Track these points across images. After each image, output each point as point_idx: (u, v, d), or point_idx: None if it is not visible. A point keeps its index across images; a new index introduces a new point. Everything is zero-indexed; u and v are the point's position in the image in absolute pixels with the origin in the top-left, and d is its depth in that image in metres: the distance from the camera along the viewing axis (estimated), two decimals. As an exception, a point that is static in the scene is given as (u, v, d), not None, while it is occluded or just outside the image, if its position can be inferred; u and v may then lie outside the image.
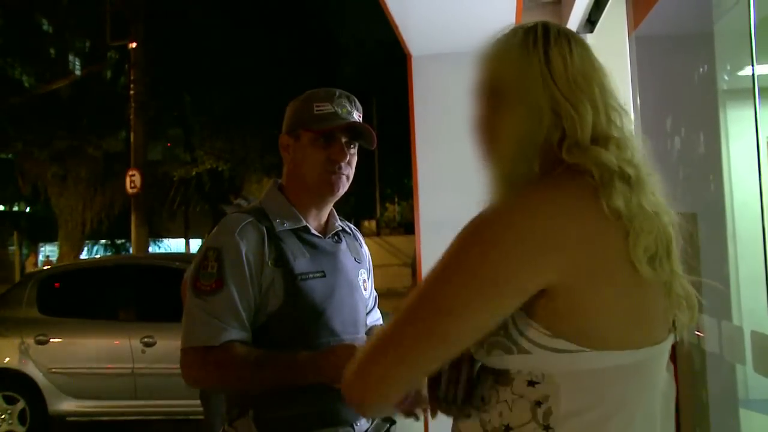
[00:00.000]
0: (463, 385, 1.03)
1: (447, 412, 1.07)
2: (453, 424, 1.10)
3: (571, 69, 1.01)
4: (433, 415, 1.09)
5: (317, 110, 1.66)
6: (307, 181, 1.68)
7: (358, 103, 1.74)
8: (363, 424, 1.67)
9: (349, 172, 1.71)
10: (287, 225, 1.66)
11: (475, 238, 0.95)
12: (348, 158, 1.69)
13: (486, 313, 0.95)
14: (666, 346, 1.03)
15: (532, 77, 1.01)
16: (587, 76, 1.02)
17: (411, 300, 0.97)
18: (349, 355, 1.49)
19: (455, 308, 0.94)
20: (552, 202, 0.96)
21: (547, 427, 0.96)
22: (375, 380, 0.99)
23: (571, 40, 1.04)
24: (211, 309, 1.54)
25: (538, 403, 0.97)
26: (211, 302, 1.55)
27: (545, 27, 1.05)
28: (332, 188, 1.68)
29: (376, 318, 1.93)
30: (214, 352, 1.53)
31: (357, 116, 1.72)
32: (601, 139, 1.00)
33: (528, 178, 1.01)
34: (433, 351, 0.97)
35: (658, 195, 1.02)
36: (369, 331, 1.84)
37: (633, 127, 1.06)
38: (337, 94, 1.69)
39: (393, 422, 1.74)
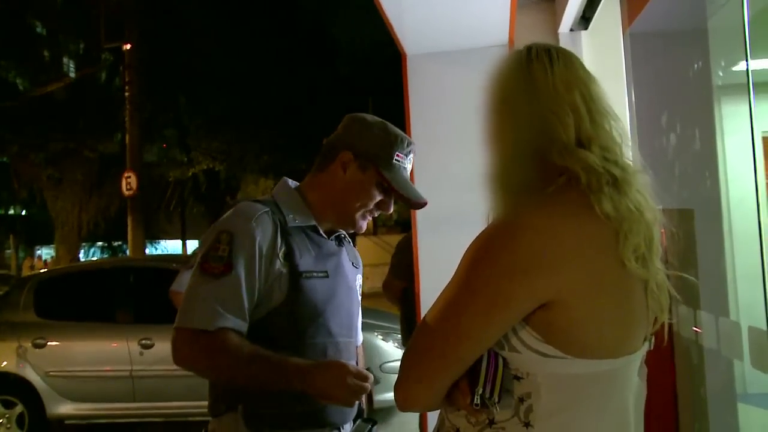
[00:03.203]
0: (498, 382, 1.03)
1: (484, 413, 1.04)
2: (439, 416, 1.14)
3: (552, 79, 1.10)
4: (475, 415, 1.06)
5: (396, 161, 1.68)
6: (342, 206, 1.70)
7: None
8: (347, 428, 1.69)
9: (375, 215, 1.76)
10: (298, 221, 1.66)
11: (478, 263, 1.02)
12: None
13: (491, 328, 1.02)
14: (640, 355, 1.10)
15: (517, 92, 1.12)
16: (569, 85, 1.10)
17: (429, 321, 1.06)
18: (338, 376, 1.47)
19: (464, 331, 1.02)
20: (547, 223, 1.01)
21: (527, 424, 1.01)
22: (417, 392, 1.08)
23: (553, 54, 1.13)
24: (214, 292, 1.52)
25: (521, 400, 1.02)
26: (215, 285, 1.52)
27: (528, 47, 1.16)
28: (357, 227, 1.72)
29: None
30: (206, 337, 1.50)
31: (409, 166, 1.75)
32: (585, 141, 1.07)
33: (527, 186, 1.08)
34: (448, 368, 1.05)
35: (644, 192, 1.08)
36: None
37: (626, 128, 1.13)
38: (409, 148, 1.71)
39: (374, 423, 1.74)
